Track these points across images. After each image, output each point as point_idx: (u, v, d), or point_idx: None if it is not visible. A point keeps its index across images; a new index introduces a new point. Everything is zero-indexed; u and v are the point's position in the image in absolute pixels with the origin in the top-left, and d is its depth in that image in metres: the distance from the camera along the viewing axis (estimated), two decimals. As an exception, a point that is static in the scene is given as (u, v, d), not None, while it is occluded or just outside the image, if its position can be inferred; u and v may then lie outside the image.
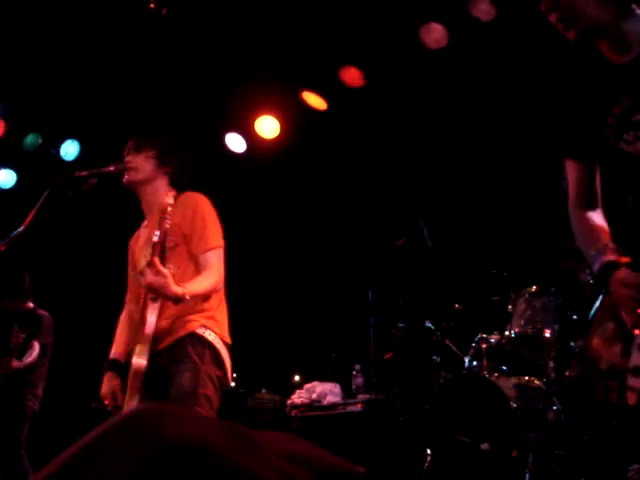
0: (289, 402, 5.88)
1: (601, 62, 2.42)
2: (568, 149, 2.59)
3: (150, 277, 3.23)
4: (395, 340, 5.65)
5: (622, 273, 2.32)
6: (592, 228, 2.54)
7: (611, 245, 2.44)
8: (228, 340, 3.59)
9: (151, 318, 3.45)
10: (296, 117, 6.82)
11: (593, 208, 2.59)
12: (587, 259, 2.51)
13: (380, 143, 6.91)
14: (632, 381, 2.20)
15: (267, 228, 7.41)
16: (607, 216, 2.58)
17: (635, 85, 2.35)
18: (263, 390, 6.52)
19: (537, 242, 5.29)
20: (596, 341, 2.37)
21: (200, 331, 3.48)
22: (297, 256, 7.44)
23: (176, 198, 3.59)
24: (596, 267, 2.41)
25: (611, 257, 2.39)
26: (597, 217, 2.57)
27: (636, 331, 2.23)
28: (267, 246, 7.45)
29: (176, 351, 3.45)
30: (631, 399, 2.19)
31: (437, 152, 6.75)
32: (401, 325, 5.67)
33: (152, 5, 5.44)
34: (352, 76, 6.48)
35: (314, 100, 6.65)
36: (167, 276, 3.22)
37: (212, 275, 3.49)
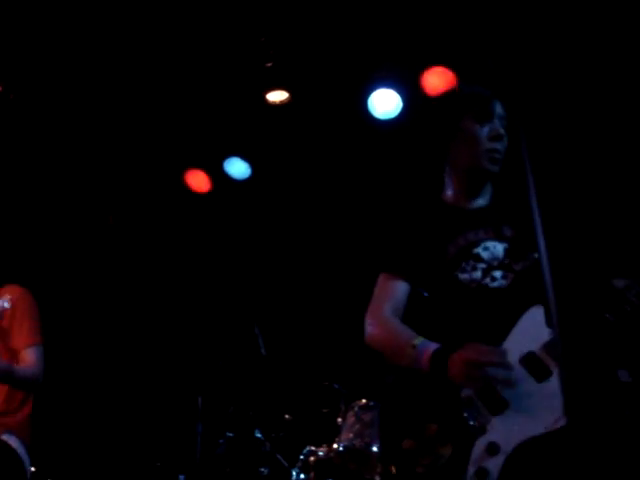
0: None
1: (449, 207, 2.77)
2: (398, 266, 2.72)
3: None
4: (222, 450, 5.52)
5: (458, 354, 2.38)
6: (403, 329, 2.64)
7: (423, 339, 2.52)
8: (28, 441, 3.49)
9: None
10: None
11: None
12: (402, 360, 2.57)
13: (211, 249, 6.97)
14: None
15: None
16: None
17: (480, 224, 2.65)
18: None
19: (369, 355, 5.40)
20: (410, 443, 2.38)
21: (4, 437, 3.35)
22: (127, 358, 7.20)
23: None
24: (423, 360, 2.46)
25: (435, 345, 2.47)
26: (402, 325, 2.68)
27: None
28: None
29: None
30: None
31: (272, 260, 6.85)
32: (229, 435, 5.57)
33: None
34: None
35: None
36: None
37: (36, 369, 3.47)
